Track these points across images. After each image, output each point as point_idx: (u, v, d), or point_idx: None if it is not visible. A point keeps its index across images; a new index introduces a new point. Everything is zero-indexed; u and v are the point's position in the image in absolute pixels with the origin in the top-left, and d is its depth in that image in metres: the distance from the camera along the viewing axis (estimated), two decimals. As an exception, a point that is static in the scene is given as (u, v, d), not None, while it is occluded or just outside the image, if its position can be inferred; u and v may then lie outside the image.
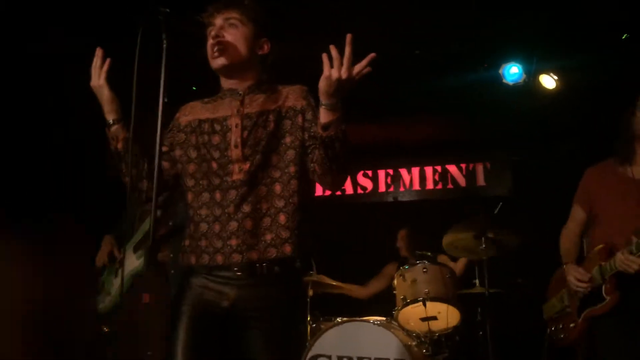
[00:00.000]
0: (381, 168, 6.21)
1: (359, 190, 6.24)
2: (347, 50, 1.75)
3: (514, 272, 4.61)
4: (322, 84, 1.79)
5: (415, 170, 6.13)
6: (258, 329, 1.92)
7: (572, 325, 2.78)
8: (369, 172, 6.24)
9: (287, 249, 1.94)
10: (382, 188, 6.19)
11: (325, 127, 1.83)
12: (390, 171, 6.20)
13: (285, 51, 2.24)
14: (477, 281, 4.24)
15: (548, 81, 4.79)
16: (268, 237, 1.95)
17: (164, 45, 1.81)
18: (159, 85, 1.80)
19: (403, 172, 6.17)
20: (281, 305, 1.94)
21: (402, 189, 6.14)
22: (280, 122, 2.03)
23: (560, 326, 2.89)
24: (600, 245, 2.67)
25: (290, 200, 1.97)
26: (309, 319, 4.15)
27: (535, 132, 5.41)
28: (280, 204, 1.98)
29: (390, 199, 6.10)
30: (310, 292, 4.24)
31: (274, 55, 2.16)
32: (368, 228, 5.81)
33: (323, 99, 1.82)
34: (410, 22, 4.72)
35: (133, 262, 2.85)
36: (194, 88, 4.82)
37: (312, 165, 1.98)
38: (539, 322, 3.38)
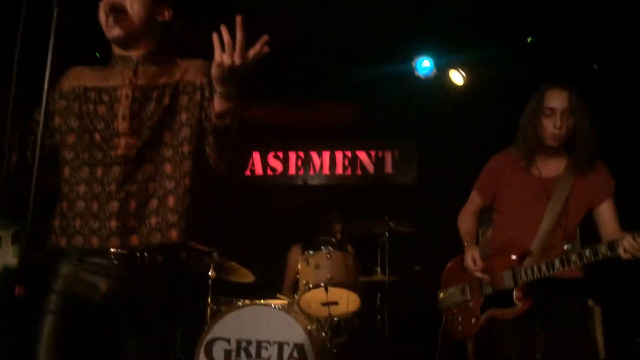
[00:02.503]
0: (292, 150, 6.19)
1: (269, 172, 6.19)
2: (239, 34, 1.59)
3: (413, 259, 4.75)
4: (215, 70, 1.65)
5: (326, 155, 6.16)
6: (133, 327, 1.76)
7: (472, 321, 2.68)
8: (280, 154, 6.20)
9: (174, 234, 1.79)
10: (292, 171, 6.18)
11: (220, 115, 1.70)
12: (301, 154, 6.19)
13: (188, 26, 2.10)
14: (378, 268, 4.33)
15: (456, 77, 4.94)
16: (153, 220, 1.79)
17: (55, 14, 1.64)
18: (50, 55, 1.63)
19: (314, 155, 6.18)
20: (160, 301, 1.78)
21: (312, 172, 6.15)
22: (177, 97, 1.87)
23: (460, 319, 2.77)
24: (518, 249, 2.57)
25: (182, 182, 1.82)
26: (209, 301, 4.08)
27: (443, 125, 5.58)
28: (169, 185, 1.82)
29: (300, 182, 6.10)
30: (212, 274, 4.16)
31: (177, 27, 2.00)
32: (277, 210, 5.79)
33: (217, 86, 1.68)
34: (329, 8, 4.70)
35: (8, 251, 2.57)
36: (97, 55, 4.55)
37: (207, 148, 1.84)
38: (434, 309, 3.48)
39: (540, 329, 2.51)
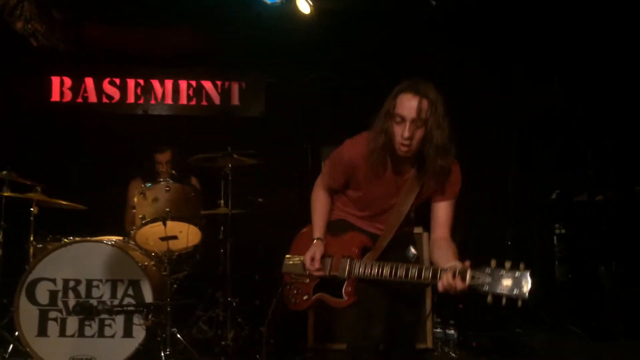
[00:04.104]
0: (131, 77, 5.73)
1: (104, 99, 5.68)
2: None
3: (257, 192, 4.70)
4: None
5: (169, 83, 5.79)
6: None
7: (305, 297, 2.63)
8: (117, 80, 5.71)
9: None
10: (130, 99, 5.73)
11: None
12: (141, 81, 5.75)
13: None
14: (222, 201, 4.22)
15: (303, 5, 4.80)
16: None
17: None
18: None
19: (155, 83, 5.78)
20: None
21: (153, 101, 5.76)
22: None
23: (295, 291, 2.68)
24: (360, 241, 2.54)
25: None
26: (32, 239, 3.71)
27: (291, 56, 5.47)
28: None
29: (140, 112, 5.70)
30: (35, 210, 3.78)
31: None
32: (113, 141, 5.36)
33: None
34: None
35: None
36: None
37: (21, 22, 1.59)
38: (276, 241, 3.45)
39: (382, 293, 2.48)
